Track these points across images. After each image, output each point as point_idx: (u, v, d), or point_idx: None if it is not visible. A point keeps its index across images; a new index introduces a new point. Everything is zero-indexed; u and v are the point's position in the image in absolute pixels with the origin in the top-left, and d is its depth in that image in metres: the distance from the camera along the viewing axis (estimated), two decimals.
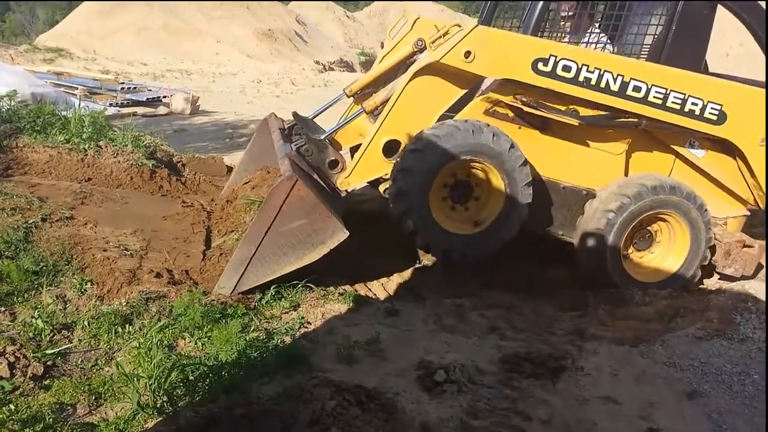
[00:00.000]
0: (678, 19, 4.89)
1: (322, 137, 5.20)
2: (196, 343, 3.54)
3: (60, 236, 4.50)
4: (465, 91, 4.92)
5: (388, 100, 4.85)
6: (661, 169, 5.19)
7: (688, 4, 4.86)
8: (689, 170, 5.20)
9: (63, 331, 3.55)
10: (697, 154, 5.12)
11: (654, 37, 5.01)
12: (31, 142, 6.14)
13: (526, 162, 4.71)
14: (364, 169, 4.85)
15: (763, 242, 5.28)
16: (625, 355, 3.88)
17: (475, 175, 4.82)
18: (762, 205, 5.25)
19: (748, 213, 5.45)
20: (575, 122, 4.74)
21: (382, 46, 5.89)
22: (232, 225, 5.06)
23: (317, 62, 31.77)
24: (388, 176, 4.77)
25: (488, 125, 4.68)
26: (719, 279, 5.40)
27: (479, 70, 4.72)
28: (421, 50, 5.02)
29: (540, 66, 4.65)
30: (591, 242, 4.92)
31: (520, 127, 4.92)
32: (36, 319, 3.54)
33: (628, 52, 5.06)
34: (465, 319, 4.47)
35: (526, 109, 4.74)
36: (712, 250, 5.15)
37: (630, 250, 5.15)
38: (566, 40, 5.39)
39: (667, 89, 4.75)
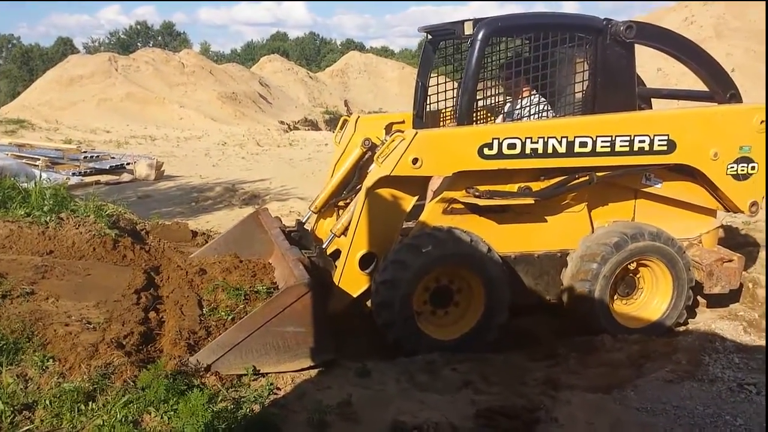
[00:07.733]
0: (600, 67, 5.03)
1: (323, 247, 5.29)
2: (161, 418, 3.43)
3: (20, 312, 4.38)
4: (419, 194, 4.99)
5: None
6: (624, 212, 5.32)
7: (606, 52, 5.00)
8: (652, 203, 5.33)
9: (24, 411, 3.42)
10: (656, 186, 5.25)
11: (582, 92, 5.13)
12: None
13: (502, 263, 4.82)
14: (346, 289, 4.87)
15: (741, 255, 5.40)
16: (599, 402, 3.87)
17: (455, 280, 4.89)
18: (734, 210, 5.37)
19: (720, 224, 5.60)
20: (530, 201, 4.85)
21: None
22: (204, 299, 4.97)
23: (282, 122, 32.14)
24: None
25: (465, 231, 4.76)
26: (707, 304, 5.62)
27: (430, 172, 4.79)
28: (371, 149, 5.15)
29: (486, 151, 4.71)
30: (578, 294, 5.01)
31: (480, 215, 4.99)
32: None
33: (564, 112, 5.18)
34: (438, 375, 4.43)
35: (480, 203, 4.79)
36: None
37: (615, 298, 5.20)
38: (507, 106, 5.51)
39: (611, 136, 4.86)
